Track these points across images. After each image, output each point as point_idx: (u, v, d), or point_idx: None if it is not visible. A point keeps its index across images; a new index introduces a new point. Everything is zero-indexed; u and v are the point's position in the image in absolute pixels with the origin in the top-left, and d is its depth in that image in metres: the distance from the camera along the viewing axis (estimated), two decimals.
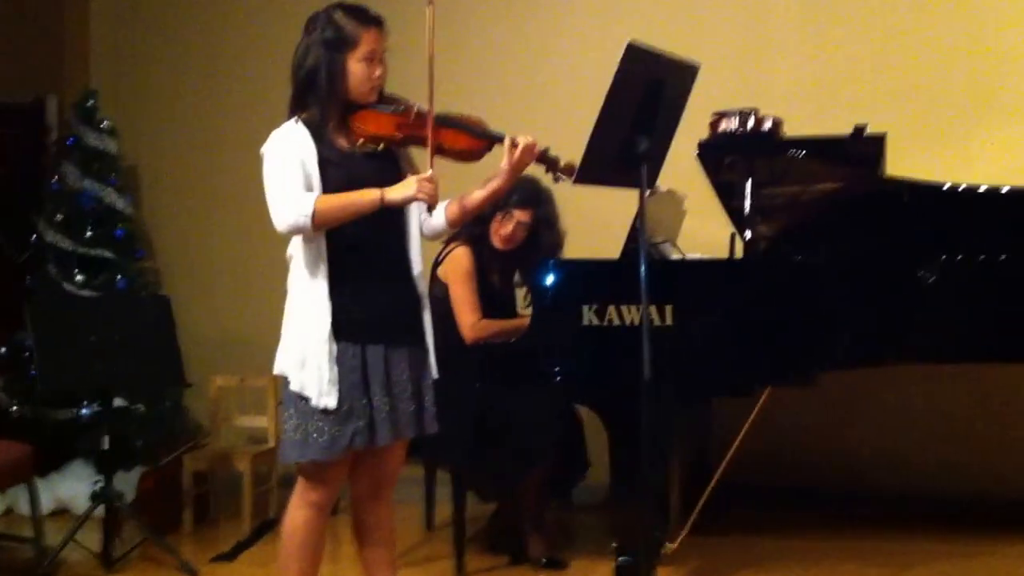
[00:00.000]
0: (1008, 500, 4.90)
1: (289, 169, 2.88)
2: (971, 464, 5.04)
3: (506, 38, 5.67)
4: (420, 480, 4.69)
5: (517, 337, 4.12)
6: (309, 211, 2.82)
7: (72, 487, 5.00)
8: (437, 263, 4.19)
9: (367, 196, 2.88)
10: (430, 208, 3.01)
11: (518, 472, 4.08)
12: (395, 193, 2.89)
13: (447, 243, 4.19)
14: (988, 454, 5.04)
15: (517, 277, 4.39)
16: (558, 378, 3.80)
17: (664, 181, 3.69)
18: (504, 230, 4.22)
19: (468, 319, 4.12)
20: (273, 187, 2.90)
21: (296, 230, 2.87)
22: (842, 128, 4.17)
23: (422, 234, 3.10)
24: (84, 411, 5.04)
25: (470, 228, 4.04)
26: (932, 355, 3.99)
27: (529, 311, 4.07)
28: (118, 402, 4.77)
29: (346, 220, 2.89)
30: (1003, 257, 3.88)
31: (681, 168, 4.01)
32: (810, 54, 5.27)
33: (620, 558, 3.74)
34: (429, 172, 2.90)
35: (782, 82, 5.21)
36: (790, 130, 4.16)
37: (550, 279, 3.87)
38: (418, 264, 3.08)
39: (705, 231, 4.64)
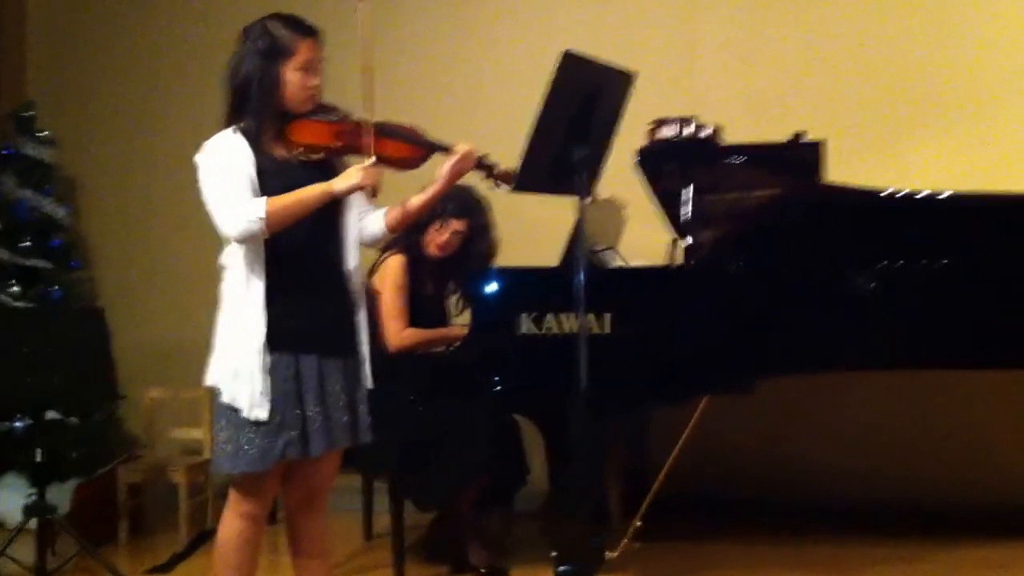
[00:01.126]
0: (947, 506, 4.94)
1: (232, 175, 2.85)
2: (910, 471, 5.08)
3: (443, 47, 5.68)
4: (358, 489, 4.67)
5: (443, 346, 4.14)
6: (262, 213, 2.80)
7: (5, 500, 4.90)
8: (371, 271, 4.18)
9: (314, 190, 2.87)
10: (374, 193, 2.99)
11: (456, 482, 4.07)
12: (341, 183, 2.88)
13: (382, 252, 4.18)
14: (927, 461, 5.08)
15: (451, 286, 4.38)
16: (497, 388, 3.79)
17: (603, 189, 3.70)
18: (439, 239, 4.22)
19: (392, 327, 4.12)
20: (217, 195, 2.86)
21: (250, 235, 2.83)
22: (780, 137, 4.20)
23: (360, 240, 3.08)
24: (17, 424, 4.96)
25: (405, 237, 4.05)
26: (871, 362, 4.01)
27: (458, 320, 4.05)
28: (51, 415, 4.70)
29: (297, 218, 2.86)
30: (943, 263, 3.91)
31: (620, 176, 4.03)
32: (747, 63, 5.33)
33: (560, 567, 3.73)
34: (371, 159, 2.89)
35: (719, 90, 5.26)
36: (728, 138, 4.18)
37: (488, 288, 3.87)
38: (355, 273, 3.07)
39: (646, 238, 4.65)
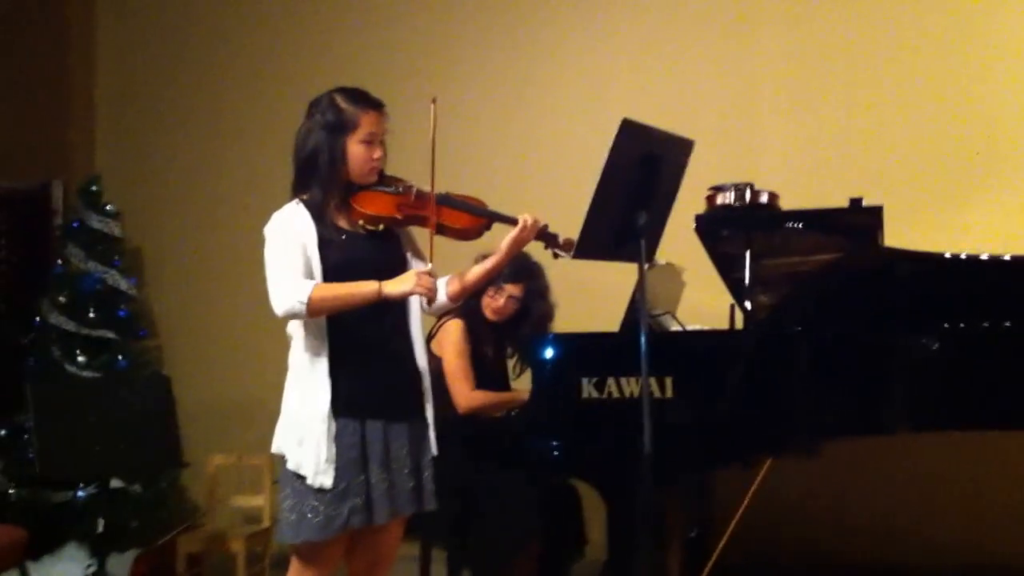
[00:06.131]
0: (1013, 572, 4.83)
1: (290, 253, 2.90)
2: (978, 534, 4.98)
3: (500, 116, 5.77)
4: (415, 558, 4.64)
5: (510, 408, 4.14)
6: (305, 298, 2.83)
7: (65, 570, 4.94)
8: (431, 337, 4.20)
9: (365, 288, 2.89)
10: (429, 301, 3.02)
11: (512, 549, 4.04)
12: (393, 287, 2.90)
13: (439, 317, 4.20)
14: (995, 523, 4.98)
15: (509, 350, 4.40)
16: (555, 453, 3.77)
17: (662, 254, 3.71)
18: (496, 303, 4.25)
19: (462, 389, 4.12)
20: (273, 270, 2.91)
21: (292, 315, 2.88)
22: (835, 201, 4.19)
23: (423, 309, 3.11)
24: (80, 493, 5.00)
25: (463, 302, 4.07)
26: (934, 423, 3.94)
27: (516, 384, 4.04)
28: (115, 483, 4.74)
29: (341, 309, 2.89)
30: (1006, 325, 3.86)
31: (678, 241, 4.04)
32: (802, 128, 5.34)
33: None
34: (428, 266, 2.93)
35: (774, 156, 5.27)
36: (785, 204, 4.19)
37: (549, 353, 3.87)
38: (419, 339, 3.09)
39: (704, 303, 4.64)
